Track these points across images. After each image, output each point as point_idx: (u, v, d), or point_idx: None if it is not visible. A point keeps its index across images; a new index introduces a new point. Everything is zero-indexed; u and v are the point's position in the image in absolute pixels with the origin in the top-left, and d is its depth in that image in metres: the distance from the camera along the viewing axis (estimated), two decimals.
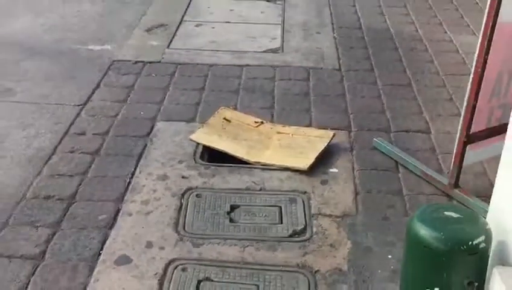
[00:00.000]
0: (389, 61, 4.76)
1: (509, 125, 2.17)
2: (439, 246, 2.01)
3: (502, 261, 2.06)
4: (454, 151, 3.10)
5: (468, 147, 3.06)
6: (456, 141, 3.09)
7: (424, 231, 2.04)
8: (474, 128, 3.02)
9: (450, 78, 4.44)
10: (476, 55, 2.89)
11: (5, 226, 2.93)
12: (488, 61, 2.86)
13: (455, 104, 4.04)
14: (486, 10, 2.79)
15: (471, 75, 2.93)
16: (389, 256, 2.77)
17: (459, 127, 3.04)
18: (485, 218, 2.21)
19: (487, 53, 2.84)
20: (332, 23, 5.46)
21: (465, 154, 3.08)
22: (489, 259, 2.07)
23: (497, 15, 2.77)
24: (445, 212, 2.13)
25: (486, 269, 2.08)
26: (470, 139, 3.04)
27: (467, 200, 3.06)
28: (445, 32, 5.30)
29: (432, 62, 4.74)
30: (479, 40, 2.86)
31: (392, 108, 4.06)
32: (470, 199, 3.06)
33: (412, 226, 2.09)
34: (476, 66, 2.89)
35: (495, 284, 2.02)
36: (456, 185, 3.15)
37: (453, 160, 3.13)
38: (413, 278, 2.17)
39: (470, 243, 1.99)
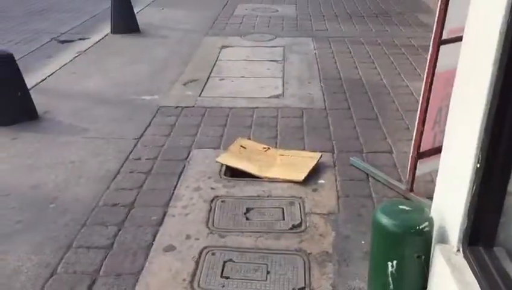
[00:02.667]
0: (361, 102, 4.77)
1: (443, 147, 2.18)
2: (396, 230, 2.01)
3: (441, 240, 2.07)
4: (409, 165, 3.14)
5: (419, 161, 3.10)
6: (410, 157, 3.12)
7: (385, 220, 2.04)
8: (422, 148, 3.06)
9: (407, 113, 4.45)
10: (421, 95, 2.94)
11: (84, 226, 3.00)
12: (430, 100, 2.91)
13: (410, 132, 3.97)
14: (427, 63, 2.84)
15: (419, 110, 2.97)
16: (363, 241, 2.81)
17: (412, 148, 3.07)
18: (430, 211, 2.20)
19: (429, 93, 2.89)
20: (320, 76, 5.48)
21: (417, 167, 3.12)
22: (432, 239, 2.08)
23: (435, 67, 2.82)
24: (400, 206, 2.12)
25: (431, 246, 2.08)
26: (420, 156, 3.08)
27: (418, 200, 3.07)
28: (403, 80, 5.31)
29: (393, 102, 4.75)
30: (423, 85, 2.91)
31: (364, 135, 4.09)
32: (421, 199, 3.07)
33: (377, 217, 2.08)
34: (421, 103, 2.94)
35: (436, 256, 2.04)
36: (411, 189, 3.18)
37: (408, 171, 3.16)
38: (378, 255, 2.15)
39: (418, 227, 2.00)
